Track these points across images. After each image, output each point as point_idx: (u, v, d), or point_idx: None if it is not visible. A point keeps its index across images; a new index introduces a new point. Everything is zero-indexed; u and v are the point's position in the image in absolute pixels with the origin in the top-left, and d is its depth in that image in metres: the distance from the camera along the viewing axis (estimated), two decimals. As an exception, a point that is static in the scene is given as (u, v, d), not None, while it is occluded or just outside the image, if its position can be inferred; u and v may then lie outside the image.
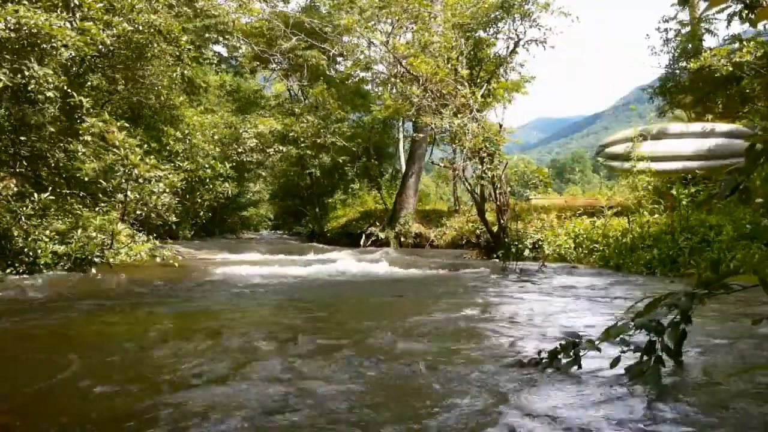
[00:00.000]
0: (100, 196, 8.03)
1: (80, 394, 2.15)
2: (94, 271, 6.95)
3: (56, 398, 2.12)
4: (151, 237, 9.02)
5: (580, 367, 2.25)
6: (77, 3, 7.59)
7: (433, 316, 3.98)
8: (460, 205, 19.16)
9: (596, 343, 2.23)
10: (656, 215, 8.81)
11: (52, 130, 7.57)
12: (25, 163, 7.66)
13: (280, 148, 18.39)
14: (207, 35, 19.41)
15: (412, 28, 13.68)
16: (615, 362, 2.14)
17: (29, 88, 6.65)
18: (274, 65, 21.65)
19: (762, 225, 6.70)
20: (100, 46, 7.72)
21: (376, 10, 14.07)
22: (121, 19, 8.52)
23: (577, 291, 5.55)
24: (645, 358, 2.10)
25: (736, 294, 2.44)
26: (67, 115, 8.04)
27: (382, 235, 16.34)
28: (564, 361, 2.29)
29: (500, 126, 11.11)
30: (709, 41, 15.80)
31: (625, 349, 2.16)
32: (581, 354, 2.25)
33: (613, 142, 11.16)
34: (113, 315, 4.24)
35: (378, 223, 17.11)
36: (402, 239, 16.24)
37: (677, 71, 15.69)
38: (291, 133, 18.17)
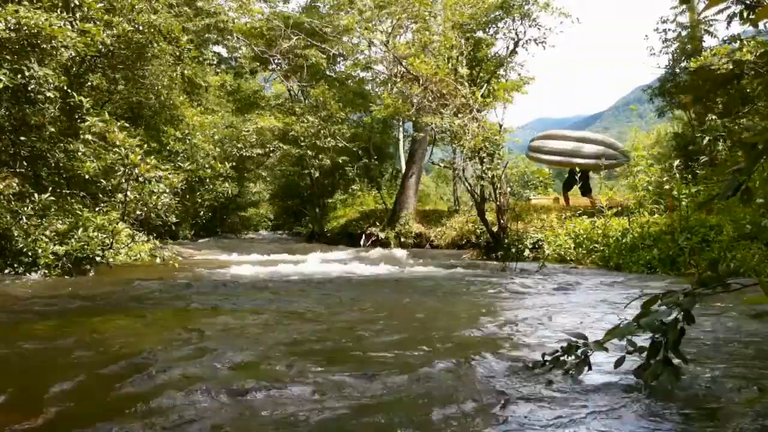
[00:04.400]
0: (100, 196, 8.02)
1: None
2: (93, 272, 6.96)
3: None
4: (151, 237, 9.01)
5: (590, 368, 2.22)
6: (77, 3, 7.58)
7: (432, 317, 3.97)
8: (460, 205, 19.13)
9: (601, 343, 2.21)
10: (656, 215, 8.81)
11: (52, 130, 7.55)
12: (25, 163, 7.65)
13: (281, 146, 18.38)
14: (207, 35, 19.36)
15: (412, 27, 13.68)
16: (619, 362, 2.12)
17: (29, 88, 6.64)
18: (274, 66, 21.63)
19: (762, 225, 6.68)
20: (100, 46, 7.71)
21: (376, 10, 14.05)
22: (121, 19, 8.51)
23: (578, 291, 5.54)
24: (652, 360, 2.07)
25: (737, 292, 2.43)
26: (67, 115, 8.03)
27: (382, 235, 16.33)
28: (571, 361, 2.26)
29: (500, 126, 11.10)
30: (708, 42, 15.76)
31: (631, 350, 2.14)
32: (589, 354, 2.23)
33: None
34: (113, 316, 4.23)
35: (378, 223, 17.08)
36: (402, 239, 16.21)
37: (677, 71, 15.66)
38: (291, 132, 18.16)
